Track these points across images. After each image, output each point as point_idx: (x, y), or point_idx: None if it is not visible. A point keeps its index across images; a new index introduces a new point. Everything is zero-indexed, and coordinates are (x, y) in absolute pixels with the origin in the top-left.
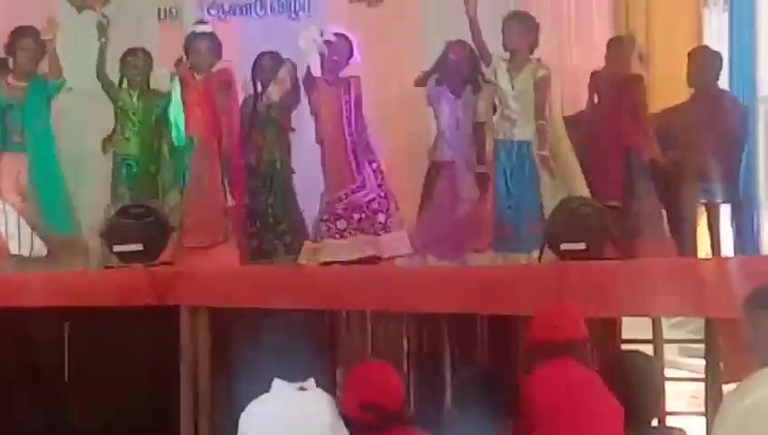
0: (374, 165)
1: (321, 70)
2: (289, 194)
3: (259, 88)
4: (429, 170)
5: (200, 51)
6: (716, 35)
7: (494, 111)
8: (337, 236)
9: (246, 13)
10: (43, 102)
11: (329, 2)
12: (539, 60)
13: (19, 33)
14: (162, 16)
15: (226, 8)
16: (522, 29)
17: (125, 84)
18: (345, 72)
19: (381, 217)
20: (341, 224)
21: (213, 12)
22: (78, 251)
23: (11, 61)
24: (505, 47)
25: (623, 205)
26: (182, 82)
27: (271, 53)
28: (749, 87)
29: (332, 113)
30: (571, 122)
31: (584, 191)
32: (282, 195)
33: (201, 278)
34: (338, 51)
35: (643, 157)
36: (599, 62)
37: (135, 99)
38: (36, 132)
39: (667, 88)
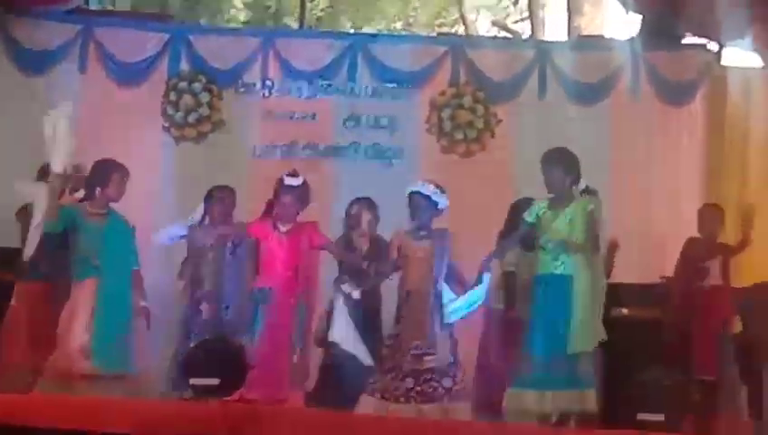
0: (451, 328)
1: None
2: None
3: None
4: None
5: (287, 203)
6: None
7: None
8: (402, 399)
9: (342, 156)
10: (123, 234)
11: (422, 152)
12: (587, 192)
13: (114, 167)
14: (257, 154)
15: (321, 148)
16: (562, 168)
17: (206, 221)
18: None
19: (448, 383)
20: (409, 382)
21: (308, 152)
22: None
23: (98, 190)
24: (548, 187)
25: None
26: (261, 230)
27: (366, 199)
28: None
29: (422, 266)
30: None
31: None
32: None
33: (274, 418)
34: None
35: (731, 330)
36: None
37: (214, 239)
38: (114, 261)
39: (756, 265)
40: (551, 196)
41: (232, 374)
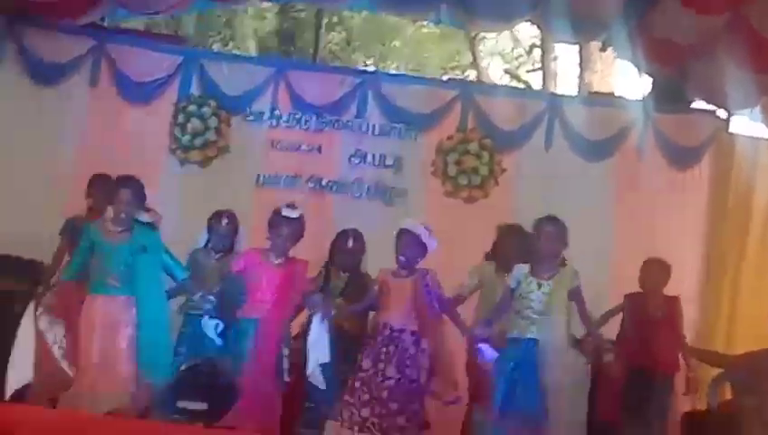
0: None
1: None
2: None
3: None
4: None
5: (283, 235)
6: None
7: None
8: (356, 428)
9: (344, 191)
10: (149, 247)
11: (425, 194)
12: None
13: (121, 182)
14: (260, 183)
15: (324, 183)
16: (556, 238)
17: (210, 245)
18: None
19: (401, 421)
20: (365, 412)
21: (311, 185)
22: None
23: (110, 209)
24: (536, 250)
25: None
26: (251, 260)
27: (355, 232)
28: None
29: (399, 304)
30: None
31: None
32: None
33: None
34: (408, 246)
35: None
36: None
37: (214, 261)
38: (144, 277)
39: (751, 333)
40: (533, 262)
41: (220, 399)
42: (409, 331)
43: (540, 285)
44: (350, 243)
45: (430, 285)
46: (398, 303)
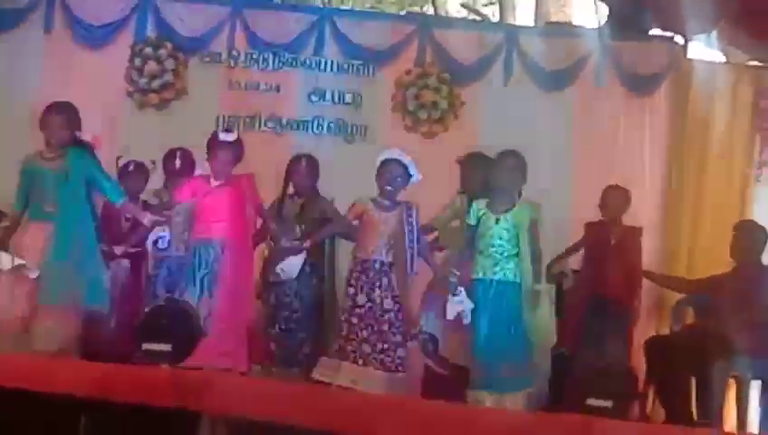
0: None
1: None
2: (316, 302)
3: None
4: None
5: (222, 159)
6: (766, 212)
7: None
8: (360, 361)
9: (303, 129)
10: (81, 171)
11: (385, 130)
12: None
13: (50, 109)
14: (219, 124)
15: (284, 122)
16: (518, 172)
17: (168, 186)
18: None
19: (402, 353)
20: (366, 348)
21: (270, 124)
22: None
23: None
24: (496, 184)
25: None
26: (192, 189)
27: (309, 157)
28: None
29: (383, 238)
30: None
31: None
32: (308, 302)
33: (223, 387)
34: (396, 176)
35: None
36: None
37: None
38: (69, 200)
39: (712, 256)
40: (492, 196)
41: (184, 341)
42: (387, 263)
43: (497, 220)
44: (303, 164)
45: (414, 221)
46: (378, 235)
